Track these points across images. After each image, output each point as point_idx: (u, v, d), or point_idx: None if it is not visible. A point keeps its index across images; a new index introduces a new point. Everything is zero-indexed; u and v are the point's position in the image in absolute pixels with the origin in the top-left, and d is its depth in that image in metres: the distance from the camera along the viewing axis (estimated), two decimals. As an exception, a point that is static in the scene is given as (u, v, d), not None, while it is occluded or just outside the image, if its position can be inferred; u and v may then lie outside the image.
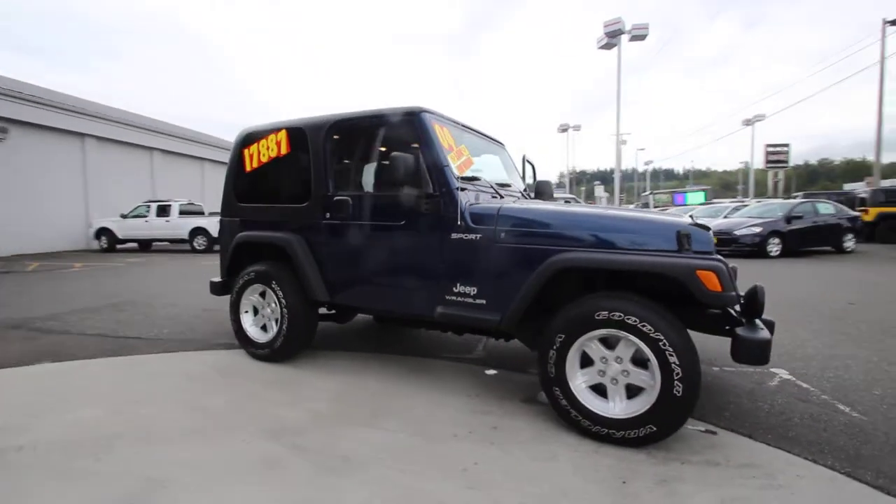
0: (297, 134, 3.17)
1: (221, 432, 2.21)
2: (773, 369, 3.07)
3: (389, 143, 3.04)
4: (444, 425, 2.31)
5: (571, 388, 2.17)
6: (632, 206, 19.57)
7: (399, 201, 2.72)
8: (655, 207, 23.12)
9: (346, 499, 1.71)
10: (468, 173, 2.78)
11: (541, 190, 3.74)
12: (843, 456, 2.00)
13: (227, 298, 3.57)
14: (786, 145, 43.55)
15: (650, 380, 2.03)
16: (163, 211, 14.33)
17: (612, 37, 19.31)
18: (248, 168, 3.40)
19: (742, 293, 2.31)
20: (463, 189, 2.58)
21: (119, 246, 14.71)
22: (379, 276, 2.83)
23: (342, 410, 2.48)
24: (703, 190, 30.65)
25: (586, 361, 2.21)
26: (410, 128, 2.73)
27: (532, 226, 2.39)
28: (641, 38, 19.47)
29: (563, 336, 2.16)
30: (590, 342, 2.15)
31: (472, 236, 2.48)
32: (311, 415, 2.42)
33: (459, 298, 2.54)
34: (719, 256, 2.06)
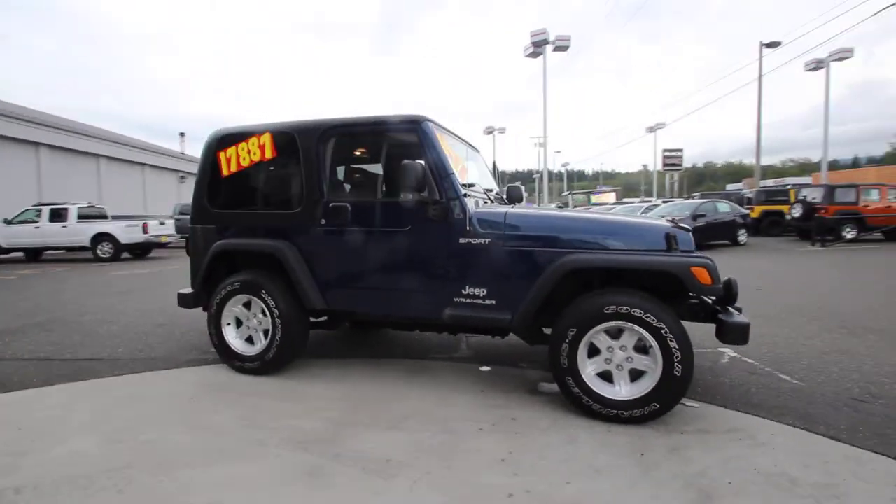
0: (285, 138, 3.08)
1: (246, 449, 2.13)
2: (720, 349, 3.57)
3: (387, 150, 3.08)
4: (465, 421, 2.42)
5: (583, 376, 2.39)
6: (552, 206, 20.96)
7: (403, 207, 2.77)
8: (575, 207, 24.83)
9: (410, 497, 1.76)
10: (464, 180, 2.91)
11: (511, 194, 3.96)
12: (798, 415, 2.44)
13: (180, 311, 3.35)
14: (680, 150, 48.91)
15: (652, 364, 2.32)
16: (57, 215, 12.61)
17: (537, 46, 20.60)
18: (225, 172, 3.23)
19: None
20: (467, 195, 2.71)
21: (1, 256, 12.72)
22: (382, 282, 2.86)
23: (358, 417, 2.49)
24: (615, 191, 33.48)
25: (593, 351, 2.44)
26: (413, 136, 2.79)
27: (539, 230, 2.58)
28: (564, 48, 21.00)
29: (575, 330, 2.38)
30: (598, 334, 2.39)
31: (481, 241, 2.62)
32: (329, 423, 2.40)
33: (468, 300, 2.67)
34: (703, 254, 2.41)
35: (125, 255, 13.02)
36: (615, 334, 2.39)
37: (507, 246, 2.59)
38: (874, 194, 12.44)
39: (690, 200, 14.08)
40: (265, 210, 3.16)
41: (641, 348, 2.37)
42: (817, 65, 21.51)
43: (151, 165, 23.75)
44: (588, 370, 2.41)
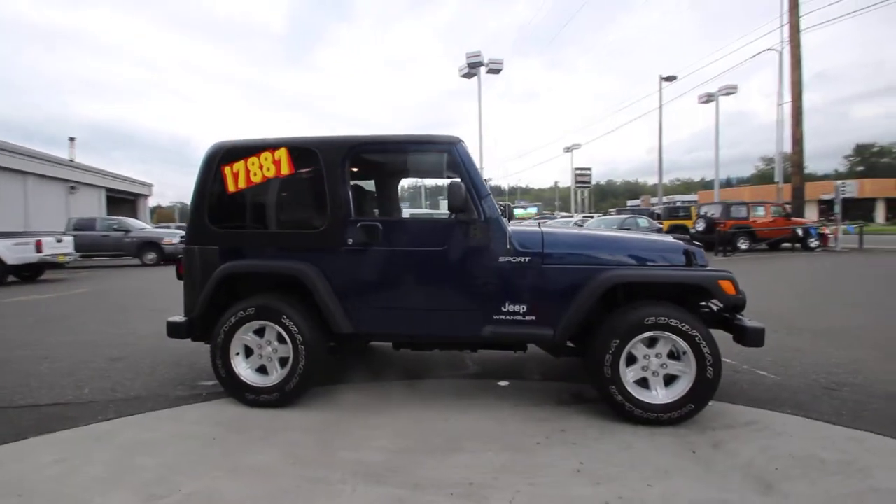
0: (305, 154, 2.93)
1: (314, 488, 1.98)
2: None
3: (417, 169, 3.06)
4: (519, 436, 2.47)
5: (625, 384, 2.56)
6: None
7: (440, 226, 2.78)
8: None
9: (518, 519, 1.77)
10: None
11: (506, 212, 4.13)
12: (792, 405, 2.82)
13: (130, 343, 3.04)
14: (589, 169, 53.40)
15: (685, 368, 2.55)
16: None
17: (472, 67, 21.53)
18: (231, 188, 2.98)
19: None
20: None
21: None
22: (417, 302, 2.82)
23: (409, 443, 2.42)
24: (537, 205, 35.51)
25: (629, 360, 2.63)
26: (449, 156, 2.82)
27: (575, 248, 2.74)
28: (496, 71, 22.17)
29: (618, 341, 2.55)
30: (636, 344, 2.58)
31: (521, 259, 2.71)
32: (385, 452, 2.31)
33: (508, 317, 2.73)
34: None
35: (11, 278, 11.10)
36: (650, 343, 2.60)
37: (546, 264, 2.70)
38: (761, 210, 14.63)
39: (616, 216, 15.46)
40: (281, 230, 2.96)
41: (673, 354, 2.60)
42: (709, 98, 25.12)
43: (35, 174, 20.59)
44: (629, 378, 2.59)
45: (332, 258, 2.86)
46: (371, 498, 1.91)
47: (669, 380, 2.61)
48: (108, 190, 26.84)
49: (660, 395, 2.58)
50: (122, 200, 29.91)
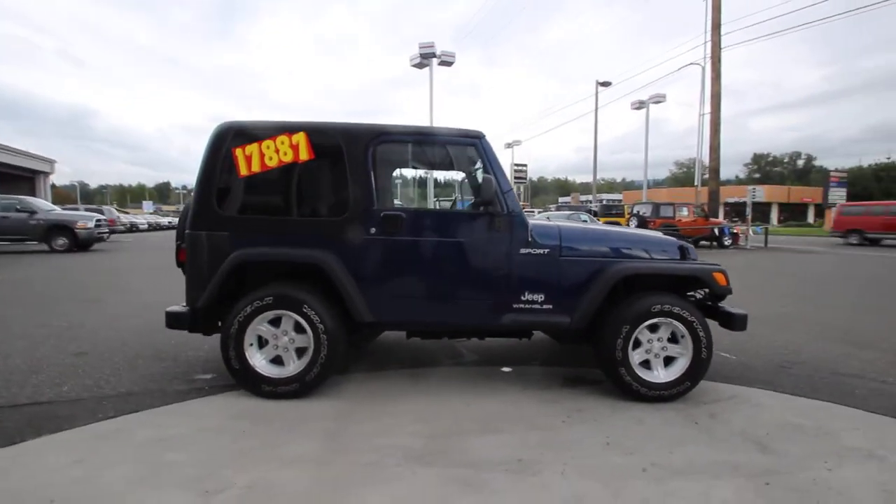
0: (327, 140, 2.87)
1: (371, 472, 2.01)
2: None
3: (439, 162, 3.10)
4: (544, 417, 2.65)
5: (633, 366, 2.83)
6: None
7: (464, 218, 2.86)
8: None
9: (575, 484, 1.93)
10: None
11: None
12: (762, 382, 3.26)
13: (90, 335, 2.89)
14: (525, 165, 55.40)
15: (683, 350, 2.87)
16: None
17: (425, 58, 21.41)
18: (243, 172, 2.84)
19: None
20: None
21: None
22: (440, 291, 2.89)
23: (442, 427, 2.50)
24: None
25: (636, 344, 2.90)
26: (473, 150, 2.91)
27: (590, 242, 2.95)
28: (449, 63, 22.24)
29: (628, 327, 2.80)
30: (643, 329, 2.85)
31: (540, 251, 2.87)
32: (423, 437, 2.38)
33: (527, 306, 2.89)
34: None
35: None
36: (653, 328, 2.89)
37: (563, 256, 2.89)
38: (685, 211, 16.18)
39: (561, 211, 16.33)
40: (300, 217, 2.88)
41: (672, 338, 2.91)
42: (640, 105, 27.15)
43: None
44: (635, 360, 2.86)
45: (354, 247, 2.83)
46: (435, 478, 1.98)
47: (668, 361, 2.92)
48: (-2, 165, 23.45)
49: (661, 375, 2.87)
50: (18, 178, 26.29)
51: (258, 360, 2.80)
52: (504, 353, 3.90)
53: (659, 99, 26.19)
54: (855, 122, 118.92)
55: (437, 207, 3.31)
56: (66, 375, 3.14)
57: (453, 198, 3.60)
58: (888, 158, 38.10)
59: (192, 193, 2.89)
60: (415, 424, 2.52)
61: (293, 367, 2.81)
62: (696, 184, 21.72)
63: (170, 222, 38.16)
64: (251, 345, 2.80)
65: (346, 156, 2.85)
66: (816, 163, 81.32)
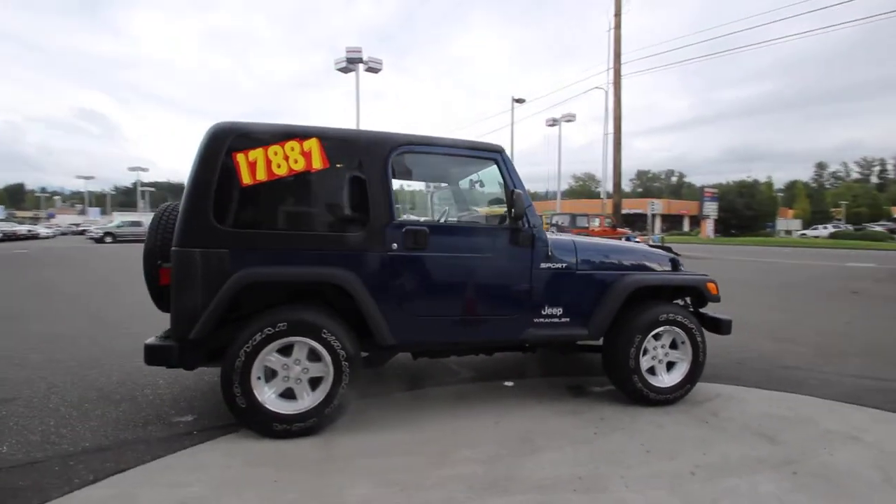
0: (343, 147, 2.64)
1: (452, 512, 1.86)
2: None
3: (455, 174, 3.00)
4: (575, 430, 2.68)
5: (643, 373, 2.99)
6: None
7: (487, 233, 2.82)
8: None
9: (643, 491, 1.97)
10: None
11: None
12: (730, 379, 3.62)
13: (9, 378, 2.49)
14: (440, 175, 56.65)
15: (682, 355, 3.10)
16: None
17: (351, 62, 20.72)
18: (245, 181, 2.50)
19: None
20: None
21: None
22: (463, 309, 2.79)
23: (490, 451, 2.41)
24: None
25: (644, 352, 3.06)
26: (494, 164, 2.87)
27: (603, 256, 3.07)
28: (375, 70, 21.77)
29: (640, 336, 2.96)
30: (650, 338, 3.03)
31: (559, 265, 2.93)
32: (477, 463, 2.28)
33: (547, 320, 2.92)
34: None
35: None
36: (657, 336, 3.08)
37: (579, 270, 2.97)
38: (597, 221, 17.67)
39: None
40: (312, 232, 2.60)
41: (672, 344, 3.13)
42: (554, 122, 29.20)
43: None
44: (644, 367, 3.02)
45: (373, 264, 2.64)
46: (515, 508, 1.90)
47: (668, 366, 3.13)
48: None
49: (665, 380, 3.07)
50: None
51: (267, 396, 2.47)
52: (495, 366, 3.88)
53: (570, 118, 28.52)
54: (714, 145, 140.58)
55: (461, 222, 3.21)
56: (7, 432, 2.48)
57: (464, 212, 3.51)
58: (748, 177, 45.83)
59: (182, 204, 2.47)
60: (460, 450, 2.40)
61: (308, 400, 2.52)
62: (601, 196, 23.92)
63: (29, 230, 32.42)
64: (258, 378, 2.46)
65: (364, 166, 2.65)
66: (686, 179, 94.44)
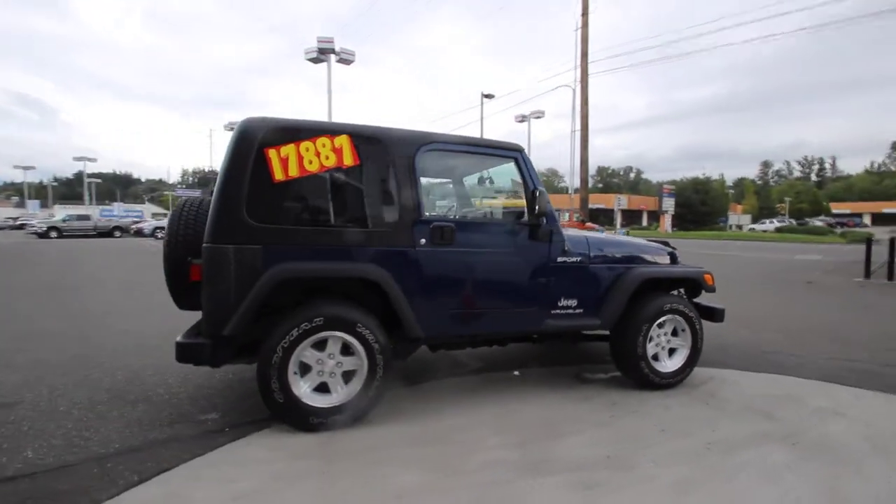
0: (373, 144, 2.68)
1: (498, 490, 1.98)
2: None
3: (472, 172, 3.09)
4: (592, 415, 2.85)
5: (649, 359, 3.20)
6: None
7: (509, 229, 2.94)
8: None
9: (669, 466, 2.16)
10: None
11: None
12: (717, 361, 3.91)
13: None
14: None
15: (683, 342, 3.34)
16: None
17: (322, 53, 20.17)
18: (279, 176, 2.50)
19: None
20: None
21: None
22: (487, 302, 2.90)
23: (519, 436, 2.53)
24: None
25: (649, 339, 3.27)
26: (514, 163, 2.98)
27: (613, 251, 3.25)
28: (348, 62, 21.29)
29: (647, 325, 3.17)
30: (655, 326, 3.25)
31: (574, 259, 3.08)
32: (512, 448, 2.40)
33: (563, 311, 3.08)
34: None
35: None
36: (660, 325, 3.30)
37: (592, 263, 3.14)
38: (567, 215, 18.19)
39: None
40: (344, 227, 2.62)
41: (673, 332, 3.36)
42: (523, 118, 29.67)
43: None
44: (650, 353, 3.24)
45: (403, 260, 2.70)
46: (562, 485, 2.04)
47: (670, 352, 3.36)
48: None
49: (668, 365, 3.30)
50: None
51: (303, 390, 2.49)
52: (496, 357, 4.01)
53: (539, 115, 29.11)
54: (670, 143, 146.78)
55: (484, 218, 3.30)
56: (13, 438, 2.38)
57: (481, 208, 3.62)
58: (703, 174, 48.38)
59: (214, 199, 2.44)
60: (489, 437, 2.51)
61: (342, 393, 2.56)
62: (569, 192, 24.62)
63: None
64: (294, 373, 2.48)
65: (393, 163, 2.70)
66: (644, 176, 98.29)
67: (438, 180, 3.86)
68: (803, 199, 56.53)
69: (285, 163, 2.51)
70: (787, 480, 2.12)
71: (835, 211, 56.17)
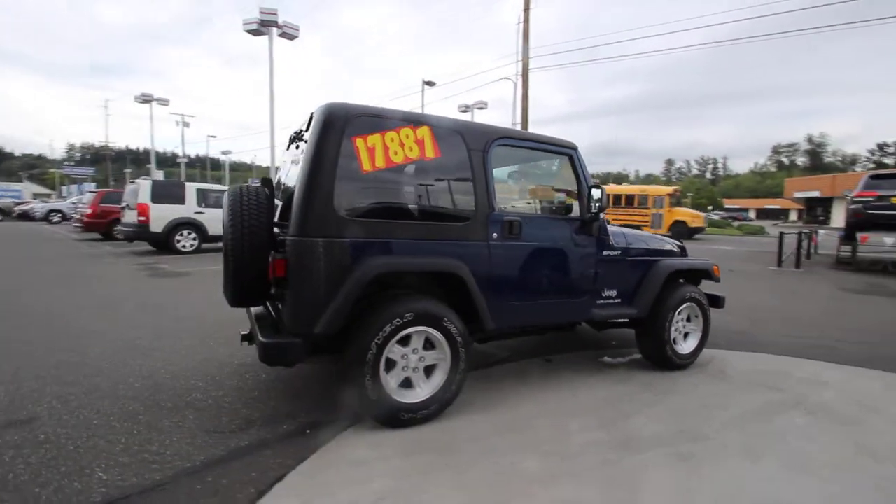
0: (452, 137, 2.66)
1: (603, 469, 2.14)
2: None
3: (534, 167, 3.16)
4: (640, 395, 3.12)
5: (672, 343, 3.55)
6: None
7: (568, 223, 3.08)
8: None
9: (738, 438, 2.46)
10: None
11: None
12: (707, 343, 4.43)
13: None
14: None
15: (695, 327, 3.74)
16: None
17: (264, 25, 18.31)
18: (367, 167, 2.40)
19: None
20: None
21: None
22: (550, 293, 3.03)
23: (596, 419, 2.72)
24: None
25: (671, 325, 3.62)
26: (569, 160, 3.12)
27: (645, 244, 3.53)
28: (291, 37, 19.63)
29: (672, 312, 3.50)
30: (676, 313, 3.60)
31: (615, 253, 3.32)
32: (594, 430, 2.58)
33: (605, 301, 3.31)
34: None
35: None
36: (680, 311, 3.66)
37: (629, 257, 3.40)
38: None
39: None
40: (427, 221, 2.58)
41: (687, 318, 3.74)
42: (466, 108, 29.82)
43: None
44: (673, 337, 3.58)
45: (477, 253, 2.73)
46: (661, 459, 2.26)
47: (685, 336, 3.75)
48: None
49: (685, 348, 3.68)
50: None
51: (391, 386, 2.45)
52: (518, 345, 4.18)
53: (482, 105, 29.58)
54: (586, 139, 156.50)
55: (546, 213, 3.40)
56: (64, 458, 2.07)
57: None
58: (623, 170, 52.47)
59: (299, 190, 2.28)
60: (569, 421, 2.67)
61: (426, 387, 2.56)
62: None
63: None
64: (384, 370, 2.42)
65: (470, 156, 2.70)
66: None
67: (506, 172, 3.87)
68: (703, 195, 63.51)
69: (372, 153, 2.42)
70: (822, 440, 2.52)
71: (726, 206, 63.84)
